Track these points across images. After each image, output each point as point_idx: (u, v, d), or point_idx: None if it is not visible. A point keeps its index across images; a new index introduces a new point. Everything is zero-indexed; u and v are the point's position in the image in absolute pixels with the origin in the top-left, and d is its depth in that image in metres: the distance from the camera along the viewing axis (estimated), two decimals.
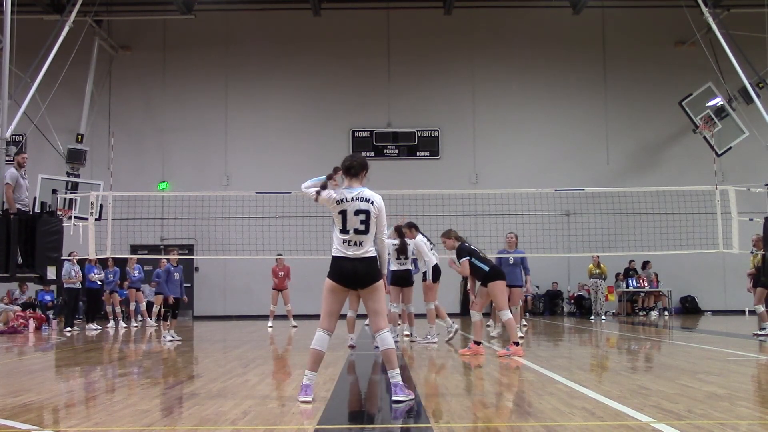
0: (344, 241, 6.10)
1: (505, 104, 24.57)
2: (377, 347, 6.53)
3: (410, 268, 12.00)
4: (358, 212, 6.09)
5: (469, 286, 10.48)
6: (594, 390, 6.53)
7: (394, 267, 11.77)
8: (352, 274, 6.06)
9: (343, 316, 9.19)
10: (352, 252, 6.08)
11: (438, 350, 10.93)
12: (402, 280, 11.88)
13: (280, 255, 17.74)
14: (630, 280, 22.97)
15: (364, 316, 11.81)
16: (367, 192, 6.23)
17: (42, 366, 9.91)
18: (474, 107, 24.58)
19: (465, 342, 11.64)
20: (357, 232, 6.08)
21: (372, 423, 5.57)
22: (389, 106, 24.36)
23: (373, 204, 6.17)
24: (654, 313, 22.50)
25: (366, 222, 6.10)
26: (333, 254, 6.17)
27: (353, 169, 6.27)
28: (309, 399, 5.95)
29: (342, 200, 6.14)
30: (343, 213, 6.11)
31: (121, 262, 18.82)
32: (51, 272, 12.73)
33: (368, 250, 6.12)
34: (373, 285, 6.10)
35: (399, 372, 6.10)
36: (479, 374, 7.88)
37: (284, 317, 17.50)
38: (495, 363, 8.96)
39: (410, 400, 5.95)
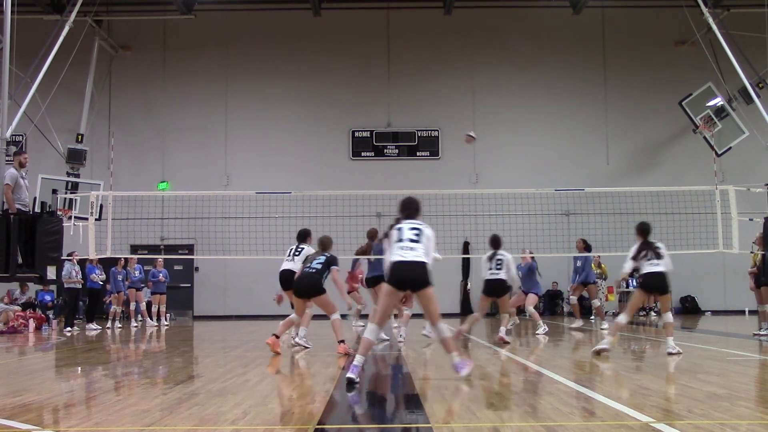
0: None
1: (505, 104, 24.57)
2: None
3: None
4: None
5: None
6: (594, 390, 6.53)
7: None
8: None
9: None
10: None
11: (438, 350, 10.92)
12: None
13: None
14: (630, 280, 22.93)
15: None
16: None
17: (42, 366, 9.91)
18: (474, 107, 24.58)
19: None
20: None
21: (372, 423, 5.57)
22: (389, 106, 24.37)
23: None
24: (654, 313, 22.48)
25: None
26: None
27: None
28: (354, 376, 6.79)
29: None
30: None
31: (111, 262, 18.60)
32: (51, 272, 12.73)
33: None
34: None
35: (456, 354, 7.14)
36: (479, 374, 7.88)
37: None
38: (495, 363, 8.96)
39: (469, 370, 7.04)
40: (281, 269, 11.08)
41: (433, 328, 7.27)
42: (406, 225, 7.28)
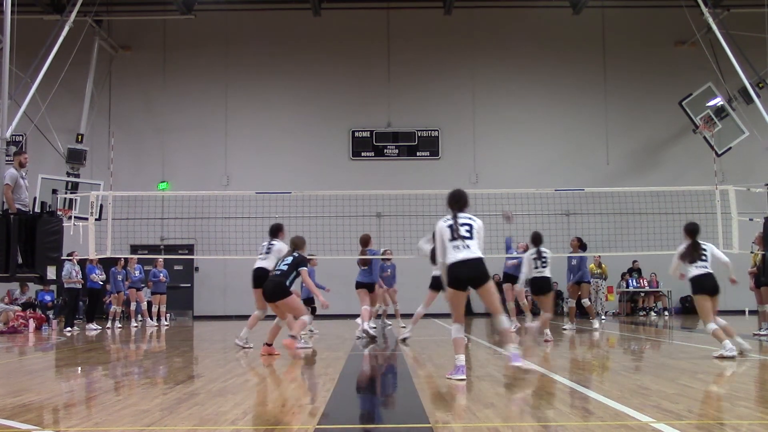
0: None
1: (505, 104, 24.57)
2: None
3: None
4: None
5: None
6: (594, 390, 6.53)
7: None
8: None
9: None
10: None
11: (438, 350, 10.93)
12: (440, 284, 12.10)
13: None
14: (630, 280, 22.98)
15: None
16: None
17: (42, 366, 9.91)
18: (474, 107, 24.58)
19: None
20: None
21: (372, 423, 5.57)
22: (389, 106, 24.36)
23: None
24: (654, 313, 22.51)
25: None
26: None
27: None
28: (464, 377, 7.01)
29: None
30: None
31: (111, 262, 18.61)
32: (51, 272, 12.72)
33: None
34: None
35: (513, 345, 7.35)
36: (479, 374, 7.88)
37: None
38: (495, 363, 8.96)
39: (522, 363, 7.25)
40: (254, 267, 10.94)
41: (494, 319, 7.38)
42: (457, 221, 7.27)
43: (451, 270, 7.14)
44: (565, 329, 15.01)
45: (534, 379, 7.46)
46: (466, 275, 7.11)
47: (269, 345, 9.72)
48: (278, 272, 9.46)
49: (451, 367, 7.39)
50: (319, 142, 24.30)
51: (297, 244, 9.74)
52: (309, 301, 14.81)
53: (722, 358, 8.87)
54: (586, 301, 15.59)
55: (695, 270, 9.39)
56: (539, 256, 11.78)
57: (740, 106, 21.03)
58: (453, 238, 7.17)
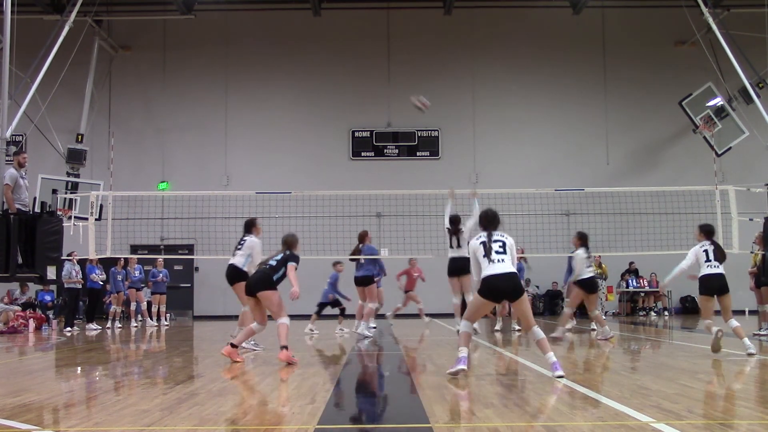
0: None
1: (505, 104, 24.57)
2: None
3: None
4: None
5: None
6: (594, 390, 6.53)
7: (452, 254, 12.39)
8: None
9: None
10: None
11: (438, 350, 10.93)
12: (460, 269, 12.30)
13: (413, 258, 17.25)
14: (630, 280, 22.98)
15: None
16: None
17: (42, 366, 9.91)
18: (474, 107, 24.58)
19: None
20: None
21: (372, 423, 5.57)
22: (389, 106, 24.35)
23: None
24: (654, 313, 22.50)
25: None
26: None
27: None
28: (465, 367, 7.31)
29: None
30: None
31: (111, 262, 18.60)
32: (51, 272, 12.73)
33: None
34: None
35: (552, 354, 7.34)
36: (479, 374, 7.88)
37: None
38: (494, 363, 8.95)
39: (562, 376, 7.14)
40: (228, 264, 10.67)
41: (530, 332, 7.50)
42: (491, 238, 7.51)
43: (487, 282, 7.36)
44: (569, 329, 14.97)
45: (534, 379, 7.46)
46: (503, 288, 7.36)
47: (235, 346, 9.14)
48: (267, 267, 9.09)
49: (450, 367, 7.39)
50: (319, 142, 24.30)
51: (290, 243, 9.27)
52: (335, 303, 14.88)
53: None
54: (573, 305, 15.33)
55: (708, 269, 9.54)
56: (589, 255, 11.98)
57: (740, 106, 21.02)
58: (486, 254, 7.42)
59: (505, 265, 7.37)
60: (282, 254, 9.12)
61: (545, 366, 7.39)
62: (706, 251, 9.57)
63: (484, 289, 7.40)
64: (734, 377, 7.74)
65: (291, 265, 8.99)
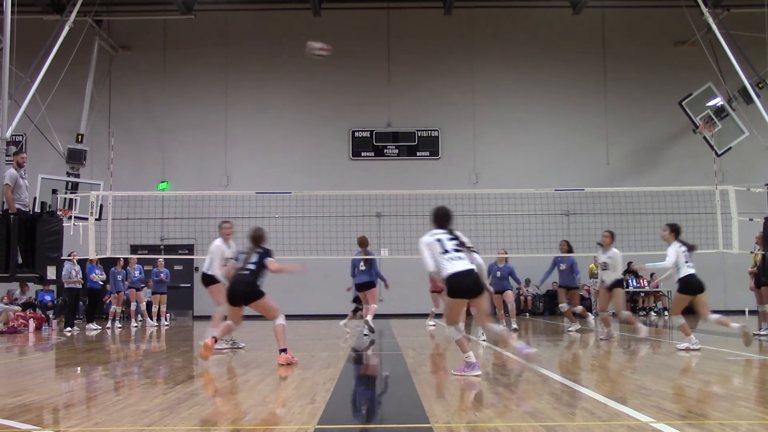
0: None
1: (505, 104, 24.56)
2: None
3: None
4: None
5: None
6: (594, 390, 6.53)
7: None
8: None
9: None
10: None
11: (439, 350, 10.94)
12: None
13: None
14: (630, 280, 22.96)
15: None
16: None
17: (42, 366, 9.91)
18: (474, 107, 24.58)
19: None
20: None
21: (372, 423, 5.57)
22: (389, 106, 24.36)
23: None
24: (654, 313, 22.50)
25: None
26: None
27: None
28: (479, 373, 7.39)
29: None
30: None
31: (111, 262, 18.61)
32: (51, 272, 12.73)
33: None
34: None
35: (514, 344, 7.65)
36: (479, 374, 7.88)
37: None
38: (495, 363, 8.95)
39: (532, 352, 7.55)
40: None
41: (486, 327, 7.75)
42: (445, 236, 7.53)
43: (452, 281, 7.39)
44: (570, 330, 14.92)
45: (534, 379, 7.46)
46: (468, 286, 7.40)
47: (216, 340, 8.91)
48: (246, 272, 8.69)
49: (452, 366, 7.39)
50: (319, 142, 24.30)
51: (259, 238, 8.93)
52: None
53: (688, 350, 9.75)
54: (564, 306, 15.02)
55: (687, 269, 10.00)
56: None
57: (740, 106, 21.03)
58: (445, 251, 7.44)
59: (464, 262, 7.42)
60: (256, 254, 8.79)
61: (547, 366, 7.40)
62: (685, 252, 9.81)
63: (452, 289, 7.45)
64: (734, 377, 7.74)
65: (270, 261, 8.75)
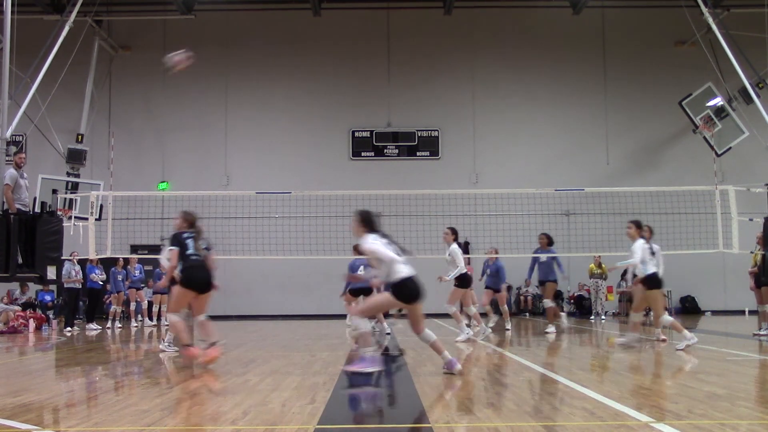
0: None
1: (505, 104, 24.57)
2: None
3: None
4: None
5: None
6: (594, 390, 6.52)
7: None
8: None
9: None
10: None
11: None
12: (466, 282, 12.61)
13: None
14: (630, 280, 22.94)
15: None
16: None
17: (42, 366, 9.91)
18: (474, 107, 24.58)
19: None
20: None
21: (372, 423, 5.57)
22: (389, 106, 24.36)
23: None
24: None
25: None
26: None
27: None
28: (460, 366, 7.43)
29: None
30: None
31: (111, 262, 18.62)
32: (51, 272, 12.74)
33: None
34: None
35: (445, 354, 7.55)
36: (479, 374, 7.89)
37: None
38: (494, 363, 8.95)
39: (456, 369, 7.38)
40: None
41: (422, 334, 7.55)
42: (388, 239, 7.46)
43: (408, 285, 7.27)
44: (547, 332, 14.16)
45: (534, 379, 7.46)
46: (419, 291, 7.34)
47: (191, 345, 8.99)
48: (200, 257, 8.76)
49: (442, 366, 7.38)
50: (319, 142, 24.30)
51: (192, 221, 8.97)
52: (367, 291, 14.03)
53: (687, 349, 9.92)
54: (547, 302, 14.82)
55: (654, 266, 10.15)
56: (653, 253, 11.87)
57: (740, 106, 21.03)
58: (397, 254, 7.34)
59: (410, 267, 7.35)
60: (204, 242, 8.84)
61: (547, 366, 7.40)
62: (650, 248, 9.97)
63: (406, 292, 7.28)
64: (734, 377, 7.74)
65: (211, 253, 9.00)
